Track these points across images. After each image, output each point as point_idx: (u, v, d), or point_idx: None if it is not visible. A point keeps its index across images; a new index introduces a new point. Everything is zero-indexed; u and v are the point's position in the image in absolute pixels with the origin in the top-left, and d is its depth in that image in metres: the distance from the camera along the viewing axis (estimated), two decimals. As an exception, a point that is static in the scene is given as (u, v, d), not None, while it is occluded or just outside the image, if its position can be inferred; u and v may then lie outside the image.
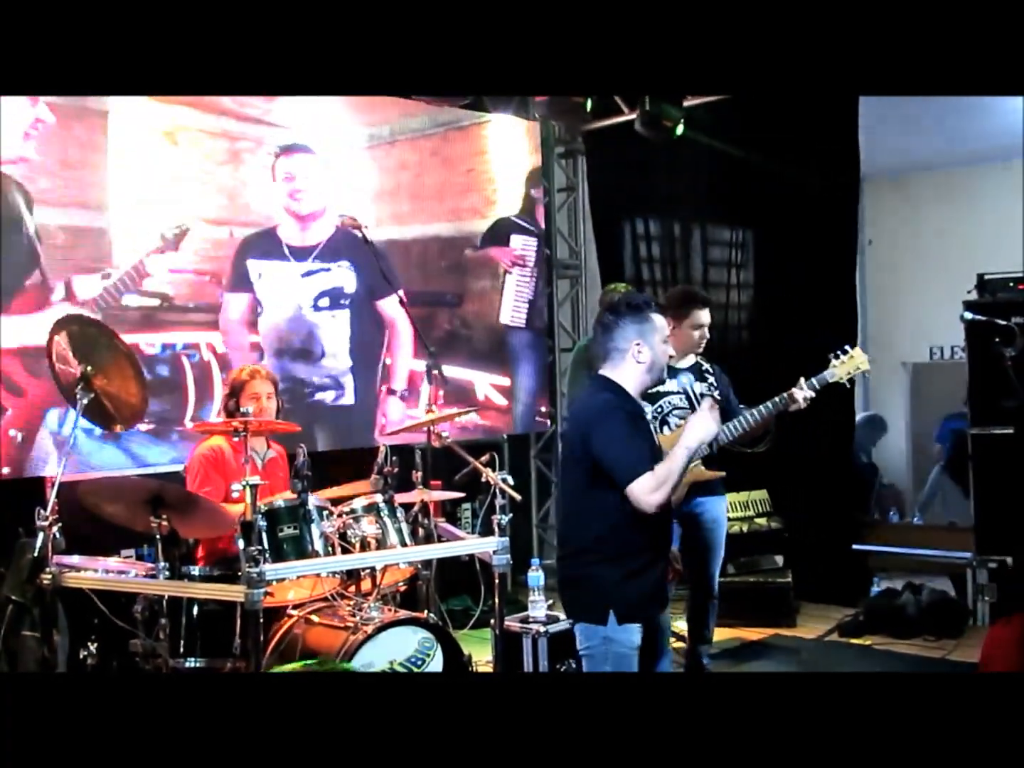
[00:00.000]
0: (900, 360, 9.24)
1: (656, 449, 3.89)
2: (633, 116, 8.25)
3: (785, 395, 5.00)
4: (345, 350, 7.45)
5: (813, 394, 5.00)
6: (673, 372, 5.09)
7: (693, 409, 5.09)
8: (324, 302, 7.33)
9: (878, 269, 9.27)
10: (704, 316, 5.28)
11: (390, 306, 7.55)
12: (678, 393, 5.22)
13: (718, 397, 5.07)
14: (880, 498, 8.99)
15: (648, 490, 3.59)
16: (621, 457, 3.66)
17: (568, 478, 3.96)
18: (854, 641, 6.68)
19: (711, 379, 5.35)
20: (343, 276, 7.39)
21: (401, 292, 5.77)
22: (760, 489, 7.46)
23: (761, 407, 5.06)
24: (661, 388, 5.05)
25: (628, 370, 3.81)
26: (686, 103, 8.10)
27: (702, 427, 3.69)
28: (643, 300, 3.90)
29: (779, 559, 7.26)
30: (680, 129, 8.12)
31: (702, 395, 5.21)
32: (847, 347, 5.12)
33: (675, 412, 5.22)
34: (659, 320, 3.84)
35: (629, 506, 3.64)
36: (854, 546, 7.57)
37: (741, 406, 5.31)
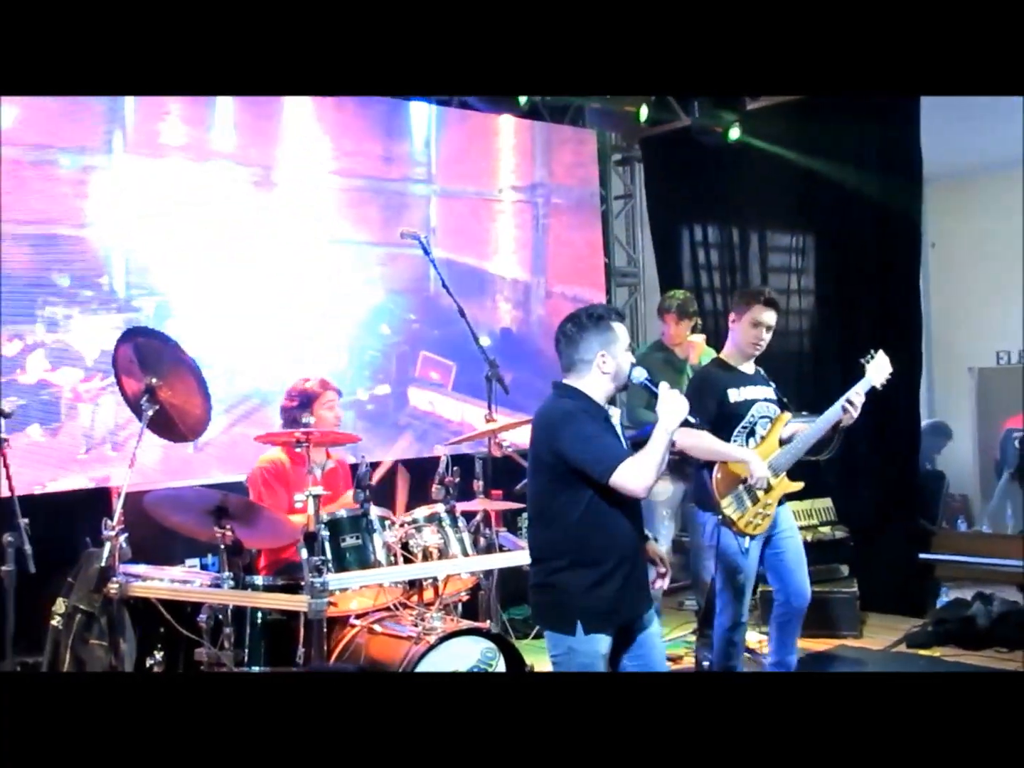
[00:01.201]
0: (966, 365, 9.09)
1: (625, 448, 3.88)
2: (689, 122, 8.23)
3: (844, 399, 4.96)
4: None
5: (863, 398, 4.98)
6: (746, 379, 5.15)
7: (771, 416, 5.13)
8: None
9: (942, 272, 9.13)
10: (765, 315, 5.11)
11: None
12: (761, 401, 5.15)
13: (785, 403, 5.19)
14: (947, 506, 8.85)
15: (633, 475, 3.63)
16: (595, 452, 3.68)
17: (534, 484, 3.91)
18: (923, 652, 6.56)
19: (772, 385, 5.27)
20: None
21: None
22: (824, 497, 7.36)
23: (829, 413, 4.99)
24: (748, 396, 5.09)
25: (593, 379, 3.85)
26: (748, 107, 8.07)
27: (675, 406, 3.73)
28: (604, 311, 3.92)
29: (844, 568, 7.16)
30: (735, 133, 8.09)
31: (768, 400, 5.16)
32: (872, 352, 5.15)
33: (761, 421, 5.12)
34: (620, 329, 3.88)
35: (592, 510, 3.69)
36: (921, 555, 7.44)
37: (803, 414, 5.27)
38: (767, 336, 5.14)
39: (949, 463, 9.13)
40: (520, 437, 5.35)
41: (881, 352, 5.14)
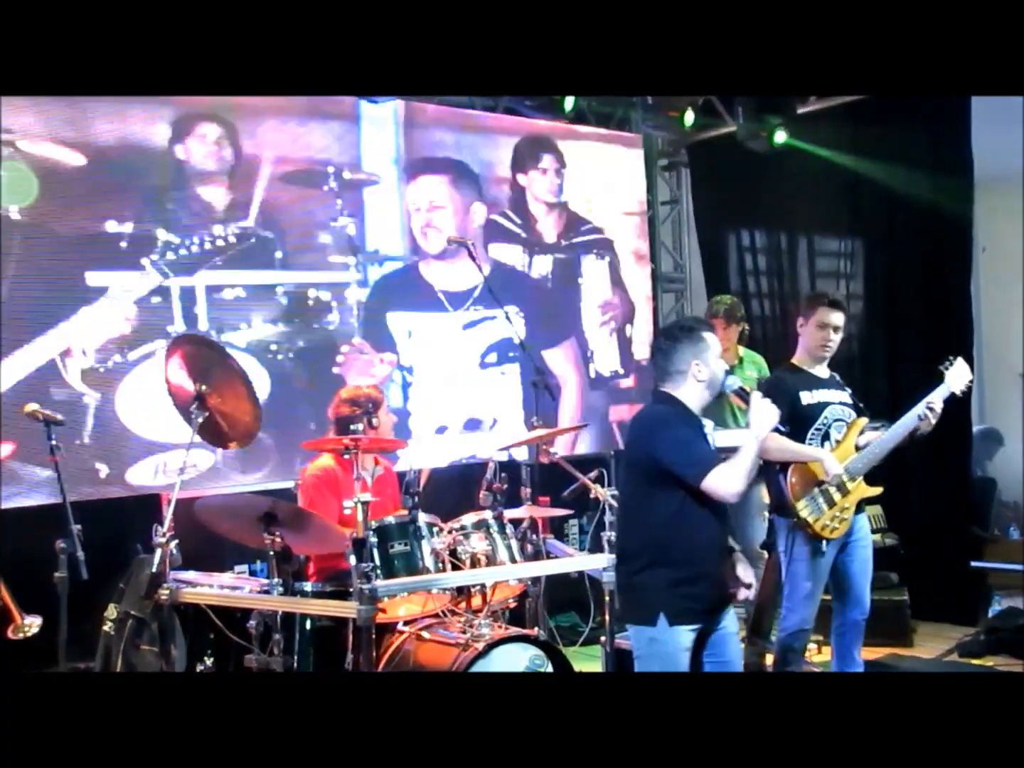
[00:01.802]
0: (1016, 371, 8.97)
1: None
2: (735, 128, 8.20)
3: (924, 405, 4.93)
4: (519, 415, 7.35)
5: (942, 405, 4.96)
6: (819, 382, 5.13)
7: (847, 419, 5.09)
8: (491, 358, 7.26)
9: (992, 277, 9.02)
10: (830, 316, 5.10)
11: (559, 358, 7.61)
12: (836, 404, 5.11)
13: (861, 408, 5.16)
14: (999, 513, 8.74)
15: (725, 479, 3.78)
16: (689, 456, 3.85)
17: (627, 485, 4.11)
18: (975, 662, 6.49)
19: (848, 390, 5.22)
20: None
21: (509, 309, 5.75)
22: (874, 504, 7.29)
23: (907, 418, 4.97)
24: (821, 399, 5.07)
25: (689, 388, 4.00)
26: (799, 110, 8.03)
27: (766, 414, 3.95)
28: (694, 322, 4.21)
29: (894, 576, 7.09)
30: (781, 137, 8.05)
31: (843, 404, 5.14)
32: (950, 358, 5.09)
33: (836, 424, 5.07)
34: (711, 338, 4.05)
35: (683, 513, 3.85)
36: (972, 563, 7.36)
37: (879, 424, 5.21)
38: (835, 337, 5.14)
39: (1000, 470, 9.02)
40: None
41: (960, 359, 5.07)
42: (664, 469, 3.85)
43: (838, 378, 5.24)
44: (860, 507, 5.11)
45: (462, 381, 7.30)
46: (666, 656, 3.84)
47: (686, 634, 3.85)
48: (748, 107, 8.06)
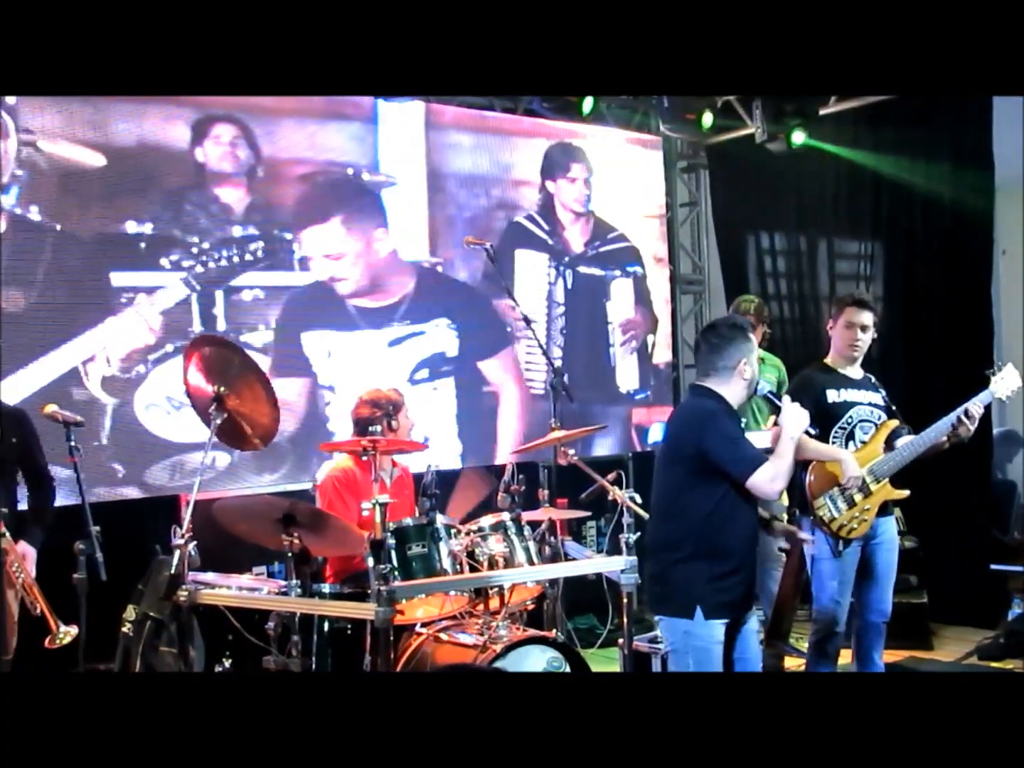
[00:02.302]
0: (1035, 374, 8.91)
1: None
2: (754, 130, 8.18)
3: (961, 411, 4.85)
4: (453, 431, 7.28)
5: (983, 410, 4.91)
6: (848, 382, 5.10)
7: (876, 421, 5.05)
8: (422, 373, 7.12)
9: (1013, 279, 8.96)
10: (857, 316, 5.09)
11: (496, 368, 7.50)
12: (863, 404, 5.08)
13: (894, 411, 5.11)
14: (1019, 516, 8.68)
15: (769, 478, 3.88)
16: (738, 453, 3.94)
17: (667, 477, 4.13)
18: (994, 664, 6.45)
19: (883, 392, 5.20)
20: (442, 338, 7.22)
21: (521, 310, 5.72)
22: (894, 507, 7.26)
23: (942, 422, 4.91)
24: (848, 398, 5.05)
25: (733, 385, 4.09)
26: (821, 112, 8.01)
27: (798, 417, 4.05)
28: (744, 322, 4.26)
29: (914, 579, 7.05)
30: (799, 137, 8.03)
31: (873, 405, 5.10)
32: (999, 364, 5.04)
33: (862, 425, 5.04)
34: (754, 340, 4.18)
35: (723, 506, 3.94)
36: (992, 566, 7.32)
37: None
38: (864, 336, 5.12)
39: (1021, 472, 8.96)
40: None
41: (1011, 365, 5.02)
42: (710, 463, 3.92)
43: (873, 380, 5.23)
44: (887, 509, 5.08)
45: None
46: (701, 649, 3.91)
47: (719, 628, 3.93)
48: (767, 109, 8.05)
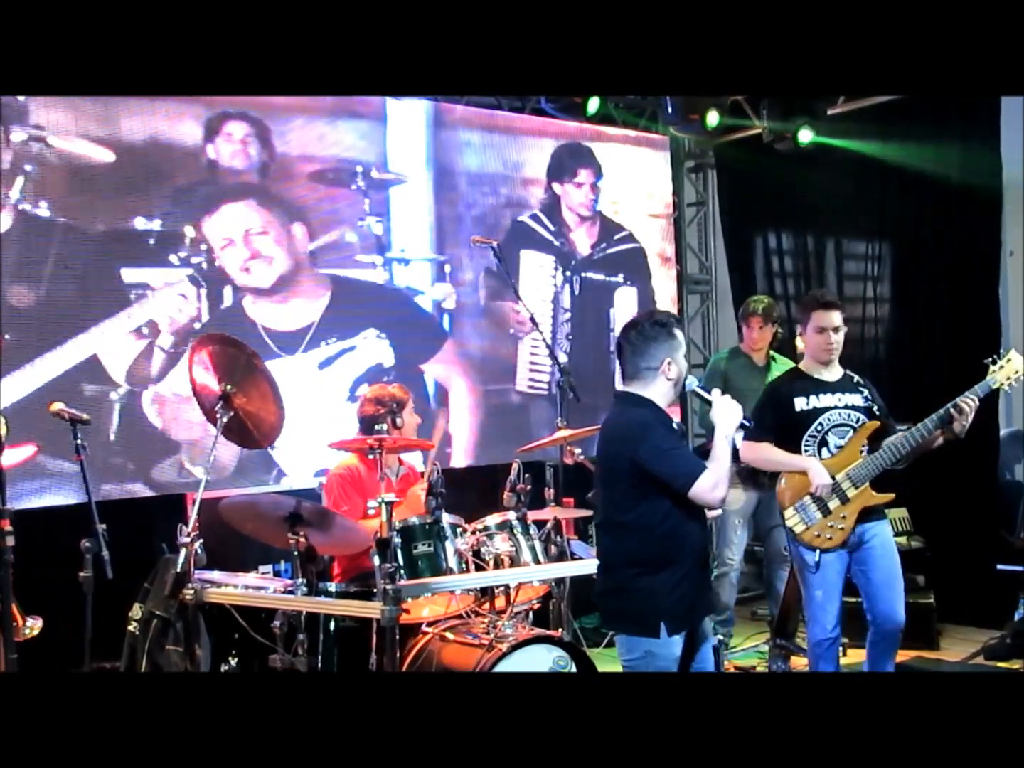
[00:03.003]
0: (1045, 374, 8.88)
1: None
2: (761, 129, 8.18)
3: (950, 406, 4.69)
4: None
5: (977, 403, 4.69)
6: (822, 387, 4.92)
7: (854, 424, 4.87)
8: (363, 389, 6.55)
9: (1019, 281, 8.94)
10: (825, 318, 4.91)
11: (438, 369, 7.41)
12: (837, 409, 4.89)
13: (877, 412, 4.93)
14: (1027, 517, 8.67)
15: (710, 487, 3.73)
16: (676, 464, 3.79)
17: (611, 494, 3.95)
18: (1001, 665, 6.44)
19: (865, 392, 4.97)
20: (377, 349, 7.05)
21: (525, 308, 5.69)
22: (900, 507, 7.25)
23: (926, 421, 4.74)
24: (818, 404, 4.88)
25: (659, 386, 3.92)
26: (829, 112, 8.00)
27: (729, 412, 3.88)
28: (666, 317, 4.02)
29: (921, 579, 7.04)
30: (806, 136, 8.02)
31: (852, 407, 4.91)
32: (1002, 351, 4.82)
33: (836, 430, 4.87)
34: (680, 335, 3.98)
35: (671, 517, 3.79)
36: (999, 566, 7.29)
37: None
38: (836, 338, 4.92)
39: (1021, 471, 8.94)
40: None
41: (1013, 351, 4.80)
42: (650, 477, 3.77)
43: (856, 379, 5.03)
44: (877, 513, 4.91)
45: (329, 420, 6.67)
46: (660, 668, 3.76)
47: (679, 644, 3.81)
48: (774, 109, 8.05)
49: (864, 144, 7.93)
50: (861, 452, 4.86)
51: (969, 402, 4.68)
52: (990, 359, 4.79)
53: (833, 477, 4.79)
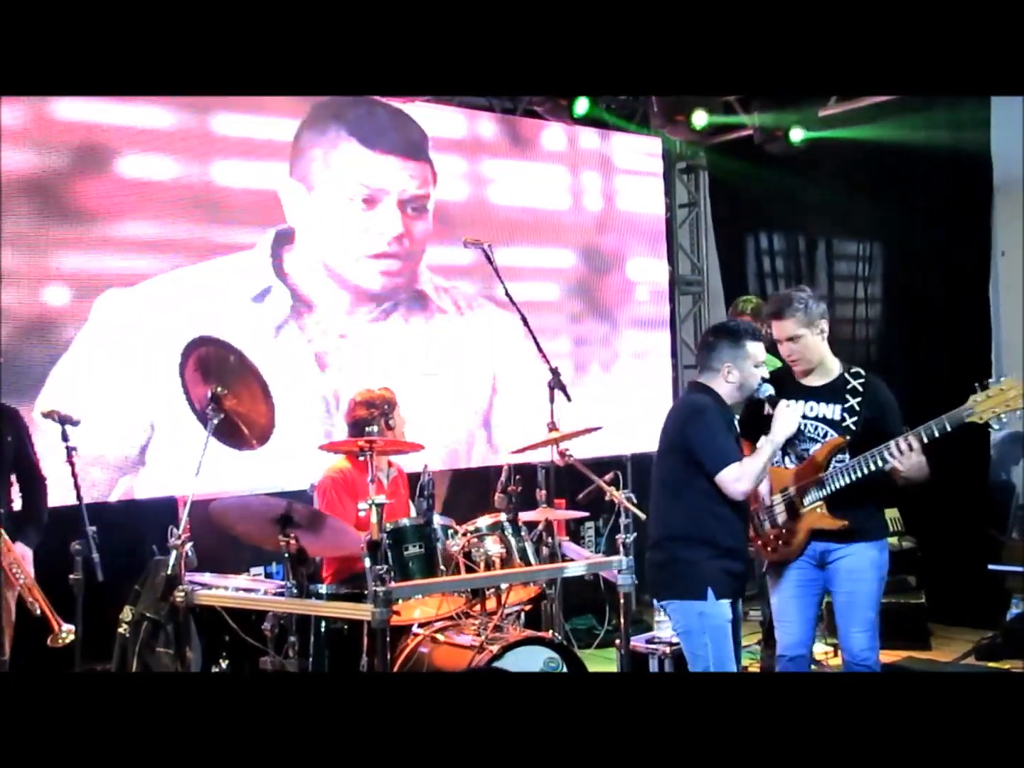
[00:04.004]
0: (1036, 376, 8.90)
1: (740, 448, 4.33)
2: (753, 131, 8.19)
3: (881, 449, 4.25)
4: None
5: (918, 448, 4.19)
6: (800, 392, 4.53)
7: (819, 437, 4.47)
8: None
9: (1012, 280, 8.96)
10: (776, 329, 4.55)
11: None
12: (806, 419, 4.48)
13: (853, 426, 4.41)
14: (1017, 517, 8.68)
15: (733, 479, 4.10)
16: (712, 448, 4.16)
17: (664, 468, 4.36)
18: (992, 665, 6.46)
19: (854, 400, 4.45)
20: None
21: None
22: (892, 507, 7.26)
23: (864, 458, 4.30)
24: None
25: (721, 385, 4.31)
26: (820, 113, 8.01)
27: (786, 422, 4.24)
28: (742, 328, 4.40)
29: (912, 579, 7.06)
30: (797, 135, 8.02)
31: (821, 419, 4.49)
32: (1002, 376, 4.21)
33: (799, 441, 4.49)
34: (753, 347, 4.30)
35: (716, 497, 4.14)
36: (990, 567, 7.31)
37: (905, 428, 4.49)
38: (795, 346, 4.53)
39: (1020, 473, 8.96)
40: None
41: (1010, 380, 4.17)
42: (695, 454, 4.16)
43: (852, 385, 4.51)
44: (857, 535, 4.43)
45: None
46: (717, 628, 4.13)
47: (728, 607, 4.17)
48: (766, 110, 8.06)
49: (855, 146, 7.93)
50: (831, 466, 4.43)
51: (912, 443, 4.20)
52: (979, 383, 4.21)
53: (785, 489, 4.50)
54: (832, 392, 4.52)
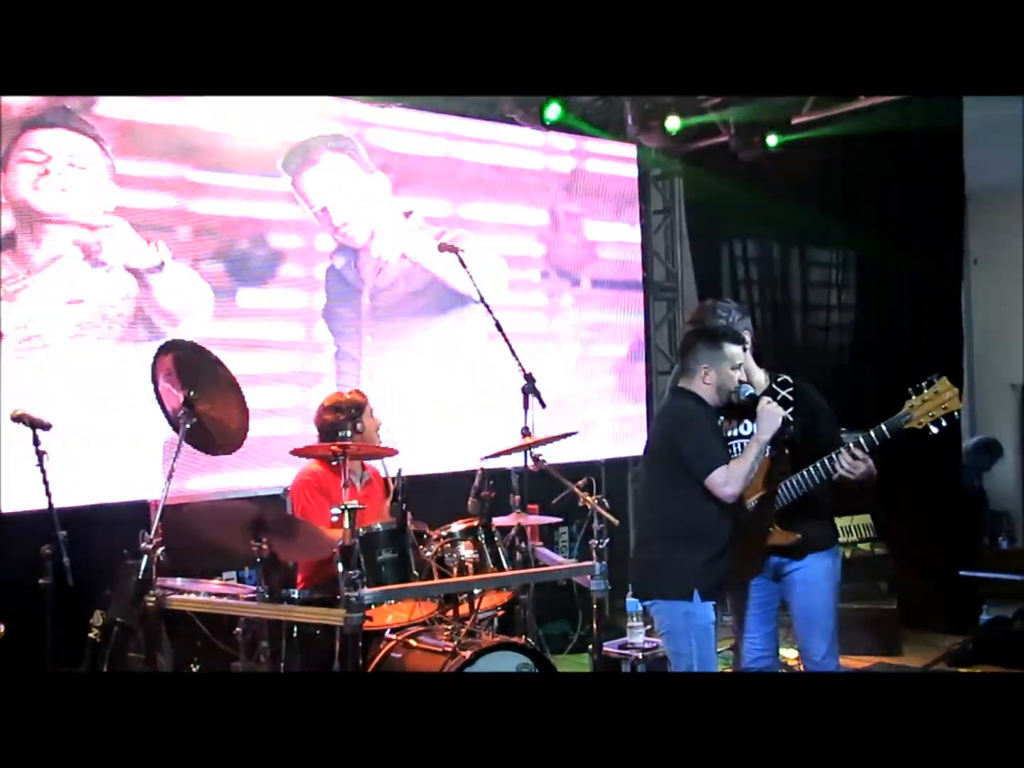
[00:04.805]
0: (1008, 382, 8.99)
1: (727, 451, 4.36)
2: (728, 138, 8.22)
3: (828, 459, 4.23)
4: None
5: (865, 455, 4.16)
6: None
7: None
8: None
9: (983, 289, 9.05)
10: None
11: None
12: (740, 439, 4.44)
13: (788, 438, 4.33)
14: (990, 523, 8.76)
15: (721, 483, 4.11)
16: (700, 453, 4.19)
17: (652, 472, 4.48)
18: (963, 670, 6.49)
19: (785, 412, 4.31)
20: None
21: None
22: (863, 514, 7.30)
23: (807, 470, 4.28)
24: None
25: (701, 388, 4.32)
26: (793, 121, 8.05)
27: (770, 419, 4.19)
28: (721, 331, 4.38)
29: (883, 585, 7.10)
30: (773, 140, 8.06)
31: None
32: (932, 378, 4.15)
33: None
34: (731, 350, 4.29)
35: (704, 497, 4.16)
36: (962, 572, 7.36)
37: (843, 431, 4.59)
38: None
39: (991, 480, 9.04)
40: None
41: (945, 381, 4.14)
42: (682, 459, 4.21)
43: (783, 396, 4.46)
44: (815, 546, 4.43)
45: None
46: (702, 628, 4.17)
47: (712, 609, 4.21)
48: (741, 116, 8.09)
49: (828, 154, 7.98)
50: (774, 481, 4.37)
51: (854, 455, 4.18)
52: (914, 387, 4.17)
53: None
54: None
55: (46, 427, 4.59)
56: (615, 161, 8.78)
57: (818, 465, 4.26)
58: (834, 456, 4.22)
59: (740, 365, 4.34)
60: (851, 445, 4.20)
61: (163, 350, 4.60)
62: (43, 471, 4.48)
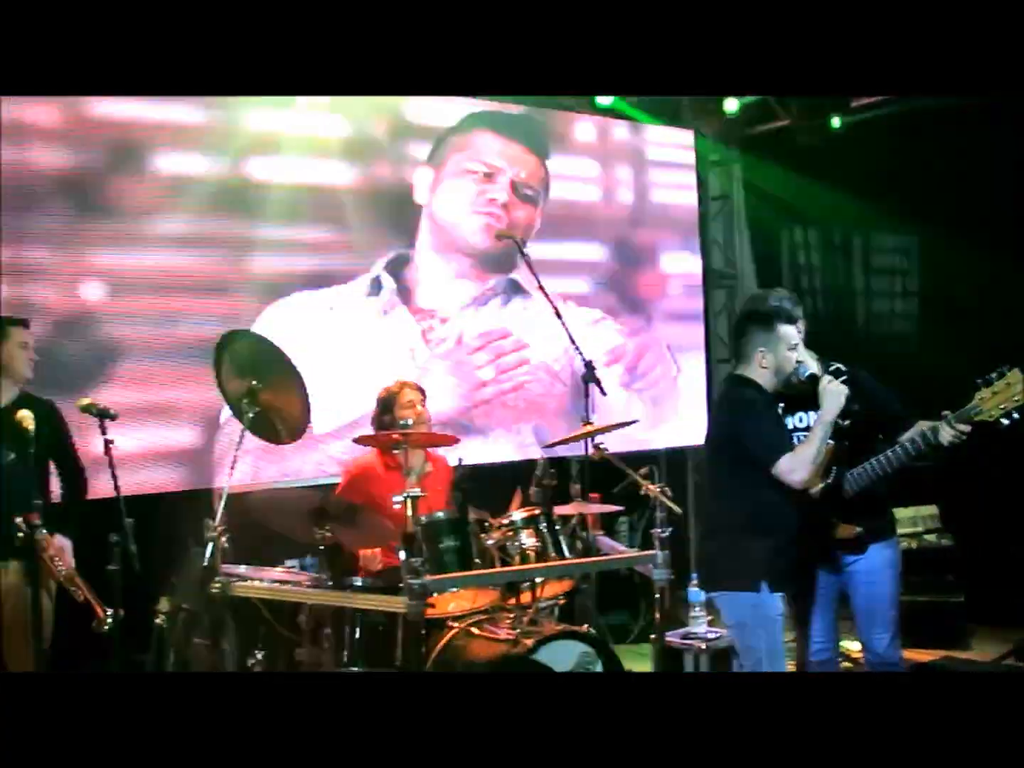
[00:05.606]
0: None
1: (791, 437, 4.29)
2: (788, 121, 8.13)
3: (927, 431, 4.16)
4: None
5: (962, 433, 4.08)
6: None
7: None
8: None
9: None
10: None
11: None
12: (797, 432, 4.43)
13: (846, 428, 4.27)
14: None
15: (788, 470, 4.00)
16: (763, 442, 4.09)
17: (715, 463, 4.40)
18: (1033, 665, 6.39)
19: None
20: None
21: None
22: (930, 504, 7.19)
23: (897, 448, 4.24)
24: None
25: (758, 373, 4.22)
26: (853, 104, 7.95)
27: (834, 396, 4.04)
28: (773, 311, 4.22)
29: (950, 577, 6.99)
30: (836, 122, 7.95)
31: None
32: (1003, 369, 4.05)
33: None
34: (784, 330, 4.19)
35: (771, 487, 4.05)
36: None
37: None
38: None
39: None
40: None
41: (1017, 372, 4.03)
42: (746, 450, 4.10)
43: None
44: (872, 538, 4.44)
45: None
46: (770, 620, 4.09)
47: (781, 601, 4.14)
48: (802, 101, 8.01)
49: (892, 138, 7.86)
50: (835, 471, 4.34)
51: (949, 434, 4.10)
52: (982, 379, 4.09)
53: None
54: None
55: (113, 417, 4.65)
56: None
57: (896, 449, 4.23)
58: (937, 426, 4.11)
59: (796, 345, 4.20)
60: (947, 423, 4.08)
61: (225, 341, 4.64)
62: (110, 459, 4.54)
